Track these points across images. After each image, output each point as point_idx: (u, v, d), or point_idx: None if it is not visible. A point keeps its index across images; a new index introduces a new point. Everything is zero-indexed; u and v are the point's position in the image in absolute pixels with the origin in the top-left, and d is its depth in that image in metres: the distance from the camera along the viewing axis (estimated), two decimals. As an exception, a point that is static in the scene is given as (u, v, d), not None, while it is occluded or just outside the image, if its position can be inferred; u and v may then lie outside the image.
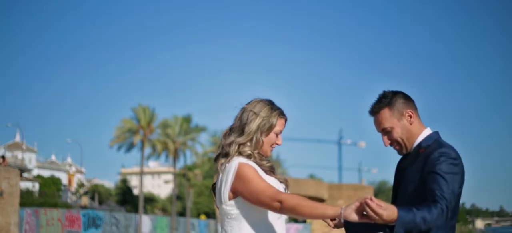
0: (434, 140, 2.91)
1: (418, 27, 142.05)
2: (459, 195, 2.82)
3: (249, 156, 2.82)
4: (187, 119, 52.93)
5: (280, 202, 2.62)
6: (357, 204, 2.51)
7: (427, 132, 2.96)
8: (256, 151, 2.85)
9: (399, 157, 3.11)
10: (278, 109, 2.90)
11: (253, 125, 2.83)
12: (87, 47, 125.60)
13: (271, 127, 2.86)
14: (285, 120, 2.92)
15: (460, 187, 2.81)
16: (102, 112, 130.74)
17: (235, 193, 2.77)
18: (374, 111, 2.98)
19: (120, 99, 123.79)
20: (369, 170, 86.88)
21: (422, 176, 2.80)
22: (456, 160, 2.79)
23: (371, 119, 3.05)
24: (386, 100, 2.95)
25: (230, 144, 2.83)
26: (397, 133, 2.94)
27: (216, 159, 2.88)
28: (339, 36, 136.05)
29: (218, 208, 2.90)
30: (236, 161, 2.77)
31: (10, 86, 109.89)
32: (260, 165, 2.83)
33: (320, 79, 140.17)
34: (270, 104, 2.89)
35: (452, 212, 2.77)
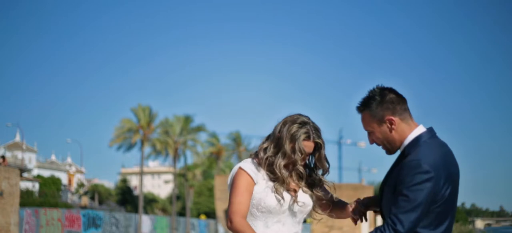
0: (416, 146, 2.76)
1: (418, 26, 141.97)
2: (445, 201, 2.71)
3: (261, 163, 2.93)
4: (188, 119, 52.96)
5: (231, 222, 2.78)
6: None
7: (415, 133, 2.81)
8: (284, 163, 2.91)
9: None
10: (307, 132, 2.91)
11: (286, 147, 2.88)
12: (87, 47, 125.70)
13: (299, 150, 2.91)
14: (315, 143, 2.94)
15: (437, 194, 2.68)
16: (102, 112, 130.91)
17: None
18: (358, 110, 2.92)
19: (120, 99, 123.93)
20: (369, 170, 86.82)
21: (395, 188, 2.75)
22: (427, 174, 2.64)
23: None
24: (371, 102, 2.85)
25: (264, 150, 2.94)
26: (378, 138, 2.88)
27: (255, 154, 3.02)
28: (339, 36, 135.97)
29: None
30: (237, 167, 2.92)
31: (10, 86, 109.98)
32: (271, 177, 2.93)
33: (320, 79, 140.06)
34: (302, 125, 2.92)
35: (438, 218, 2.72)
